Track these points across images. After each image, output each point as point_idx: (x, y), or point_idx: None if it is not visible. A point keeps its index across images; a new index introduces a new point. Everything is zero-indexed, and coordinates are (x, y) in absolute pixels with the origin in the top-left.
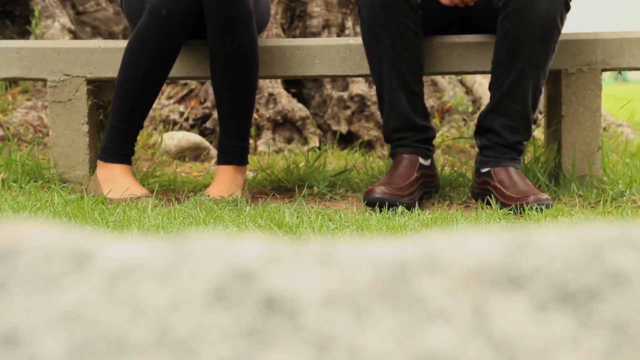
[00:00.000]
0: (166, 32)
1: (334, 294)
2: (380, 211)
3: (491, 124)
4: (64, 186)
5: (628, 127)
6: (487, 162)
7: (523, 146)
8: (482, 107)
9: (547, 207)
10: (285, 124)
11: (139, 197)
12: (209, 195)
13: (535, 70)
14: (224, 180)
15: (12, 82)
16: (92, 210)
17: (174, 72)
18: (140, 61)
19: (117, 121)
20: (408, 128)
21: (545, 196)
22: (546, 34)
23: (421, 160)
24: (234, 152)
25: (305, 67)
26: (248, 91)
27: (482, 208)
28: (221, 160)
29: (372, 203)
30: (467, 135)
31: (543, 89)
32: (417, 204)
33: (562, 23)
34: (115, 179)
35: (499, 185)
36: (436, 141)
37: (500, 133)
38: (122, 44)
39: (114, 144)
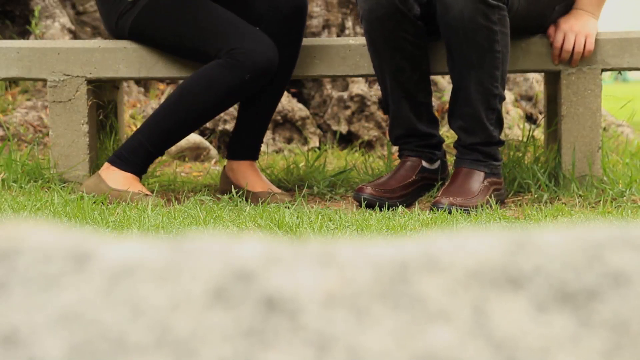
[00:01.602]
0: (239, 91)
1: (334, 294)
2: (380, 210)
3: (452, 126)
4: (64, 186)
5: (628, 127)
6: (455, 161)
7: (489, 148)
8: None
9: (466, 212)
10: (285, 124)
11: (145, 194)
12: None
13: (473, 70)
14: (261, 176)
15: (12, 82)
16: (92, 210)
17: (174, 72)
18: (198, 103)
19: (147, 140)
20: (411, 135)
21: (460, 201)
22: (471, 34)
23: (425, 163)
24: (256, 146)
25: (305, 67)
26: (286, 86)
27: (482, 207)
28: (250, 155)
29: (358, 201)
30: None
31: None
32: (417, 203)
33: (491, 20)
34: (119, 179)
35: (447, 182)
36: None
37: (458, 135)
38: (122, 44)
39: (131, 156)
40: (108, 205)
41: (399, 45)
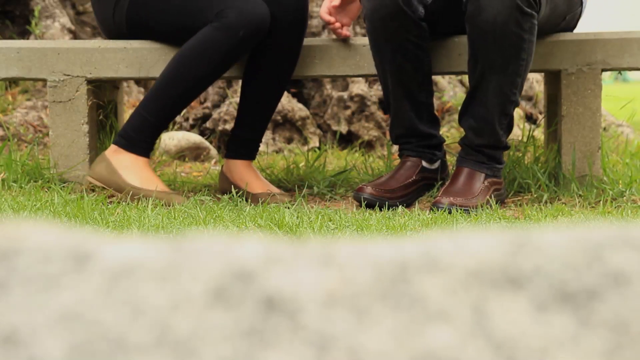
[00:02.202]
0: (237, 52)
1: (334, 294)
2: (380, 210)
3: (462, 124)
4: (64, 186)
5: (628, 127)
6: (457, 160)
7: (494, 152)
8: None
9: (466, 212)
10: (285, 124)
11: (169, 193)
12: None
13: (496, 75)
14: (259, 176)
15: (12, 82)
16: (92, 210)
17: None
18: (197, 68)
19: (151, 115)
20: (412, 134)
21: (460, 200)
22: (500, 39)
23: (425, 164)
24: (255, 146)
25: (305, 67)
26: (286, 85)
27: (482, 207)
28: (248, 155)
29: (358, 201)
30: None
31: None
32: (417, 203)
33: (522, 28)
34: (136, 169)
35: (447, 182)
36: None
37: (466, 134)
38: (122, 44)
39: (137, 134)
40: (108, 205)
41: (402, 45)
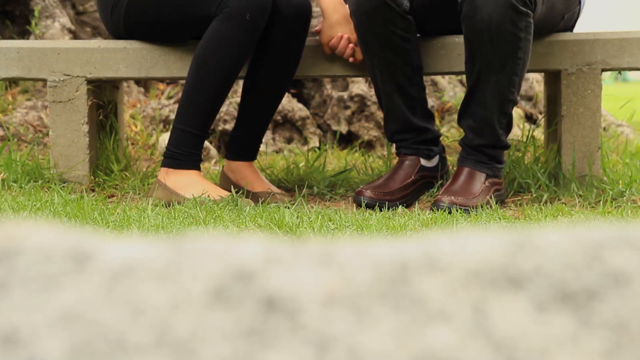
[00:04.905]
0: (250, 37)
1: (334, 294)
2: (380, 210)
3: (461, 124)
4: (64, 186)
5: (628, 127)
6: (458, 160)
7: (494, 151)
8: None
9: (466, 211)
10: (285, 124)
11: (222, 195)
12: (269, 191)
13: (494, 74)
14: (260, 176)
15: (12, 82)
16: (92, 210)
17: (174, 72)
18: (218, 67)
19: (187, 126)
20: (407, 130)
21: (455, 199)
22: (496, 39)
23: (423, 161)
24: (255, 147)
25: (305, 67)
26: (287, 86)
27: (482, 207)
28: (249, 156)
29: (358, 204)
30: None
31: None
32: (417, 203)
33: (517, 27)
34: (191, 185)
35: (447, 182)
36: None
37: (466, 134)
38: (123, 44)
39: (184, 150)
40: (108, 205)
41: (389, 39)
